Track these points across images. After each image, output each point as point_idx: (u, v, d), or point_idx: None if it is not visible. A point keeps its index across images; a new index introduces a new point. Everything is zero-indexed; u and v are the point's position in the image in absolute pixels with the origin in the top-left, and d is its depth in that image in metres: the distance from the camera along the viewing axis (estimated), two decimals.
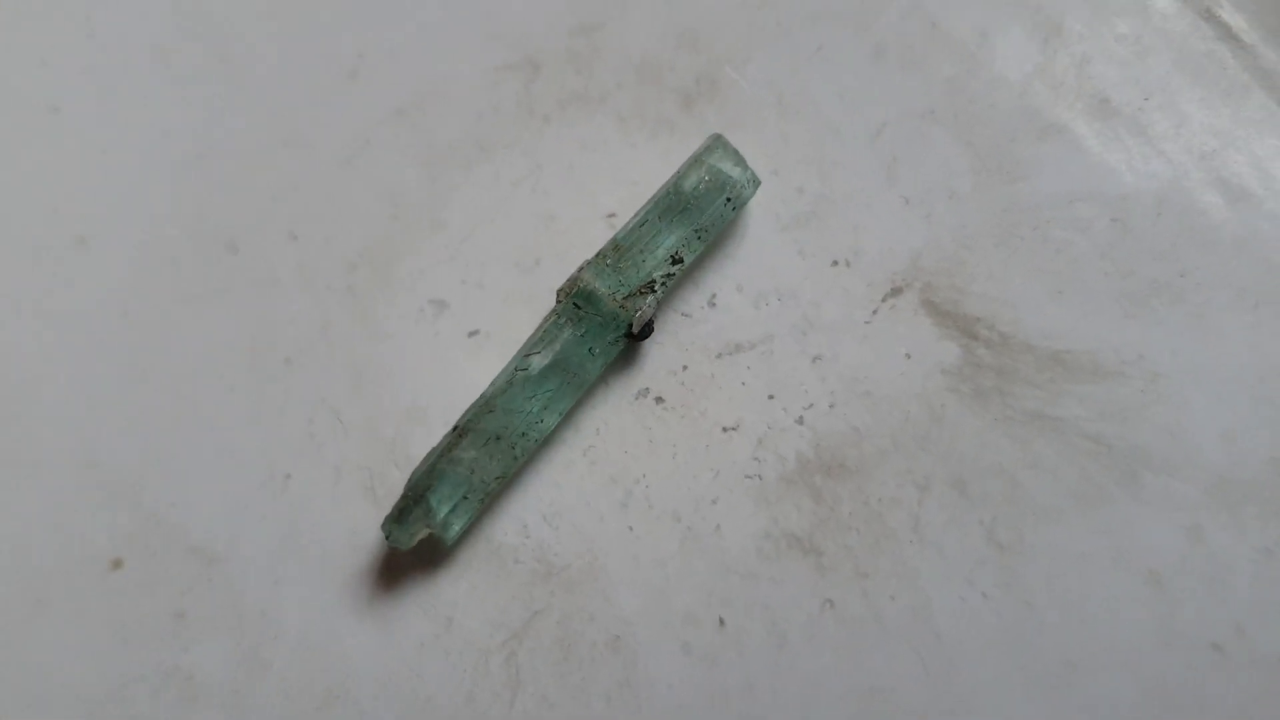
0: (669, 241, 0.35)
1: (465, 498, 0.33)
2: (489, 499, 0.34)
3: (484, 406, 0.34)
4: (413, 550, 0.35)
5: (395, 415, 0.36)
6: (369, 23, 0.39)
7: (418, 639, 0.34)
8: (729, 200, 0.35)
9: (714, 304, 0.37)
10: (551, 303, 0.37)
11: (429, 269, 0.37)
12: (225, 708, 0.34)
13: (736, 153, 0.35)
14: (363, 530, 0.35)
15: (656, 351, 0.36)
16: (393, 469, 0.36)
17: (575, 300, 0.34)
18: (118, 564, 0.36)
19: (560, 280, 0.37)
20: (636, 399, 0.36)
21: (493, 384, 0.34)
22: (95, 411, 0.36)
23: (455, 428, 0.34)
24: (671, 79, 0.38)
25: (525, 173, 0.38)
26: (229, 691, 0.34)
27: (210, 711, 0.34)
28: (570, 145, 0.38)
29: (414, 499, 0.33)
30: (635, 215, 0.35)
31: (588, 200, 0.38)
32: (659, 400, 0.36)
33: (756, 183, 0.35)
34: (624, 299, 0.34)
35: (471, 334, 0.37)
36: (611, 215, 0.37)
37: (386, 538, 0.33)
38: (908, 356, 0.36)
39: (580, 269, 0.35)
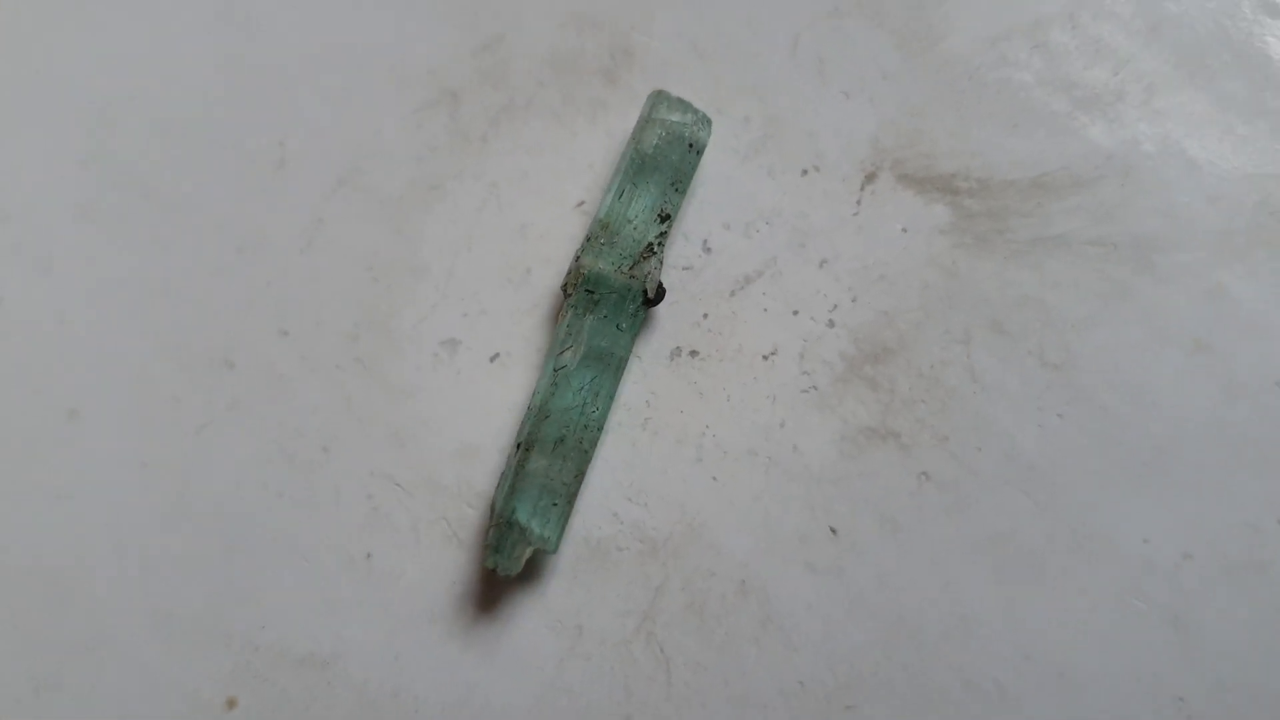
0: (650, 203, 0.35)
1: (553, 505, 0.33)
2: (573, 499, 0.34)
3: (538, 416, 0.34)
4: (519, 576, 0.34)
5: (449, 460, 0.36)
6: (279, 110, 0.39)
7: (556, 657, 0.34)
8: (691, 146, 0.36)
9: (709, 249, 0.37)
10: (556, 304, 0.37)
11: (427, 315, 0.37)
12: None
13: (681, 101, 0.36)
14: (462, 577, 0.35)
15: (673, 311, 0.37)
16: (467, 510, 0.35)
17: (586, 287, 0.35)
18: (232, 703, 0.34)
19: (558, 279, 0.37)
20: (672, 360, 0.36)
21: (537, 393, 0.35)
22: (151, 567, 0.35)
23: (518, 445, 0.34)
24: (588, 62, 0.39)
25: (483, 195, 0.38)
26: None
27: None
28: (516, 155, 0.39)
29: (506, 524, 0.33)
30: (608, 192, 0.36)
31: (553, 198, 0.38)
32: (693, 354, 0.36)
33: (709, 121, 0.36)
34: (630, 269, 0.35)
35: (493, 359, 0.37)
36: (581, 203, 0.38)
37: (495, 570, 0.33)
38: (904, 231, 0.37)
39: (577, 258, 0.35)
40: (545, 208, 0.38)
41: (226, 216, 0.38)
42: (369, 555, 0.35)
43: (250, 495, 0.36)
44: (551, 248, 0.38)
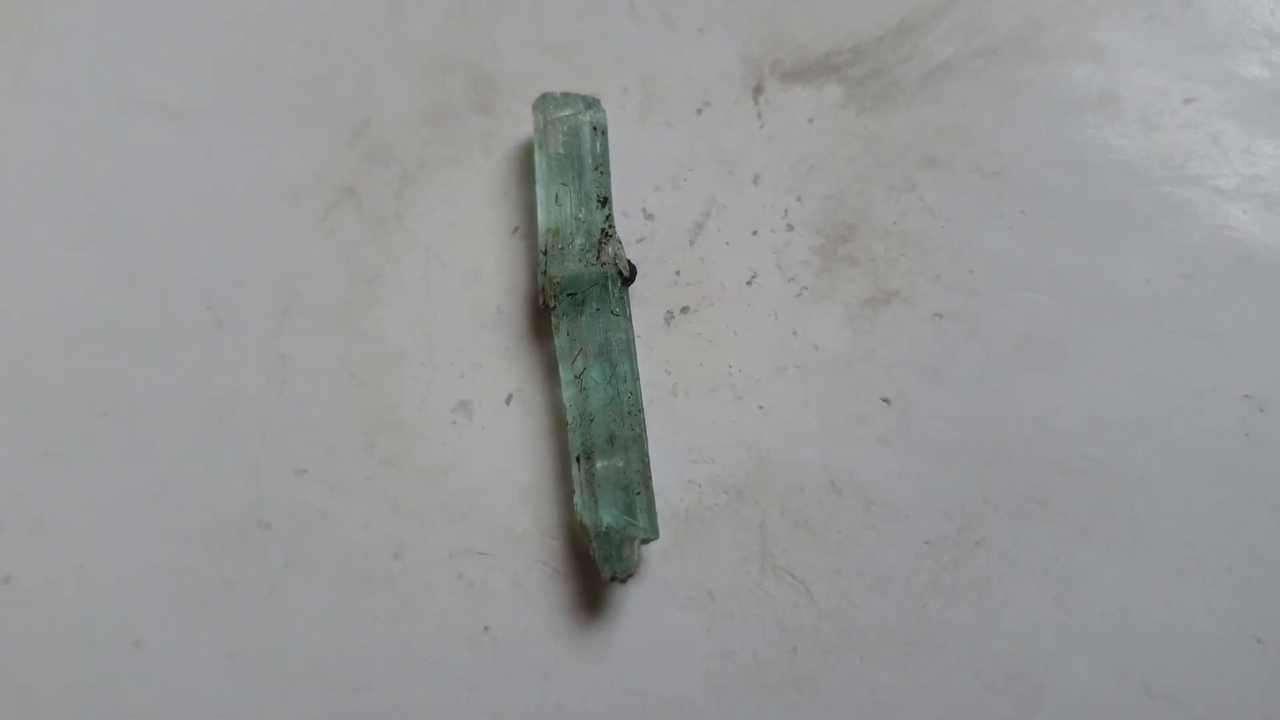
0: (583, 195, 0.36)
1: (636, 494, 0.34)
2: (650, 483, 0.34)
3: (582, 424, 0.34)
4: (622, 580, 0.35)
5: (516, 508, 0.36)
6: (190, 276, 0.39)
7: (702, 629, 0.35)
8: (594, 128, 0.37)
9: (650, 215, 0.38)
10: (541, 323, 0.38)
11: (426, 392, 0.37)
12: None
13: (564, 95, 0.37)
14: (583, 603, 0.35)
15: (647, 282, 0.38)
16: (553, 542, 0.36)
17: (566, 291, 0.35)
18: None
19: (531, 303, 0.38)
20: (669, 324, 0.37)
21: (570, 406, 0.35)
22: None
23: (577, 459, 0.34)
24: (457, 104, 0.40)
25: (422, 263, 0.39)
26: None
27: None
28: (435, 214, 0.39)
29: (604, 534, 0.34)
30: (540, 205, 0.37)
31: (488, 236, 0.39)
32: (684, 310, 0.38)
33: (597, 101, 0.37)
34: (597, 259, 0.35)
35: (508, 400, 0.37)
36: (516, 229, 0.39)
37: (615, 579, 0.34)
38: (810, 121, 0.39)
39: (544, 272, 0.36)
40: (486, 248, 0.39)
41: (193, 393, 0.37)
42: (486, 628, 0.35)
43: (346, 633, 0.35)
44: (510, 278, 0.38)
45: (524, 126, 0.39)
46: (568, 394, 0.35)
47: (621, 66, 0.40)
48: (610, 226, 0.36)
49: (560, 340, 0.36)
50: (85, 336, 0.38)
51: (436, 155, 0.40)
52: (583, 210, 0.36)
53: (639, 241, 0.38)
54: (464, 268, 0.38)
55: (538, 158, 0.37)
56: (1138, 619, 0.34)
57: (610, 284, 0.35)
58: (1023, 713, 0.34)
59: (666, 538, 0.35)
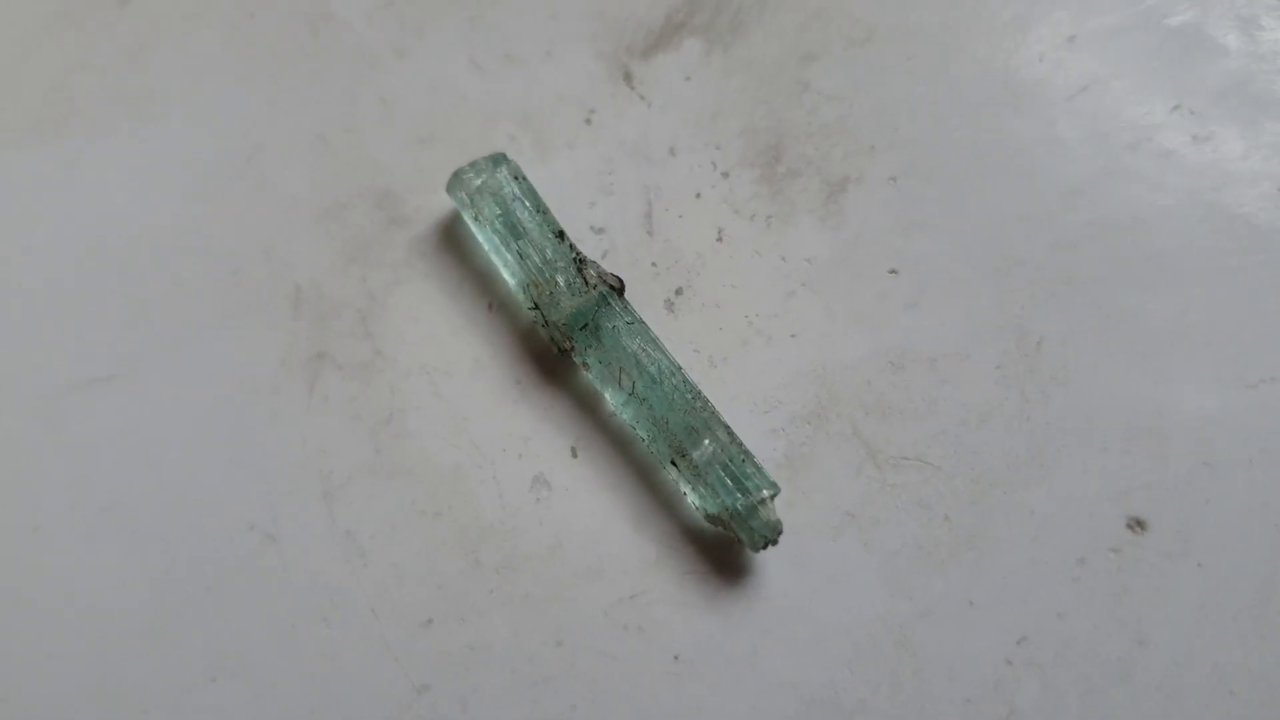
0: (538, 240, 0.37)
1: (741, 462, 0.35)
2: (744, 446, 0.35)
3: (659, 431, 0.35)
4: (775, 542, 0.35)
5: (637, 543, 0.36)
6: (232, 501, 0.38)
7: (857, 547, 0.36)
8: (514, 179, 0.38)
9: (599, 229, 0.39)
10: (566, 368, 0.38)
11: (498, 489, 0.37)
12: None
13: (469, 165, 0.38)
14: (748, 587, 0.36)
15: (633, 284, 0.39)
16: (690, 548, 0.36)
17: (578, 326, 0.36)
18: None
19: (546, 362, 0.38)
20: (672, 311, 0.39)
21: (638, 425, 0.36)
22: None
23: (673, 463, 0.35)
24: (373, 230, 0.40)
25: (422, 383, 0.38)
26: None
27: None
28: (409, 333, 0.39)
29: (735, 515, 0.34)
30: (505, 269, 0.37)
31: (467, 327, 0.39)
32: (679, 292, 0.39)
33: (502, 156, 0.38)
34: (586, 286, 0.36)
35: (574, 455, 0.37)
36: (490, 304, 0.39)
37: (767, 545, 0.34)
38: (688, 79, 0.41)
39: (546, 322, 0.36)
40: (472, 335, 0.39)
41: (279, 615, 0.36)
42: (675, 657, 0.35)
43: None
44: (510, 350, 0.38)
45: (441, 212, 0.40)
46: (628, 413, 0.36)
47: (496, 119, 0.41)
48: (578, 253, 0.37)
49: (594, 372, 0.36)
50: (154, 624, 0.37)
51: (379, 282, 0.39)
52: (548, 252, 0.37)
53: (603, 256, 0.39)
54: (465, 364, 0.39)
55: (478, 232, 0.38)
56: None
57: (609, 300, 0.36)
58: (1159, 447, 0.36)
59: (785, 487, 0.36)
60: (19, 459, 0.38)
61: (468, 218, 0.38)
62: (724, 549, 0.36)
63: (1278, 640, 0.35)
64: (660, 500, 0.37)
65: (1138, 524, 0.36)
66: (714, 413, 0.36)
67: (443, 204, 0.40)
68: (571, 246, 0.37)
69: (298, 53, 0.41)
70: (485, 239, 0.38)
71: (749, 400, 0.37)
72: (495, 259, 0.38)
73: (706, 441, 0.35)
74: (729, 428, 0.36)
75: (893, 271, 0.38)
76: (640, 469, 0.37)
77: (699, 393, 0.36)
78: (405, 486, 0.37)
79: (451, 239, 0.40)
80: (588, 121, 0.40)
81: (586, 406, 0.38)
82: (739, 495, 0.35)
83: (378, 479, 0.38)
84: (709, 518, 0.35)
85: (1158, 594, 0.35)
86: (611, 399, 0.37)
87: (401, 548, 0.37)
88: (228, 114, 0.41)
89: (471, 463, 0.38)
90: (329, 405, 0.38)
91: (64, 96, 0.41)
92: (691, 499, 0.36)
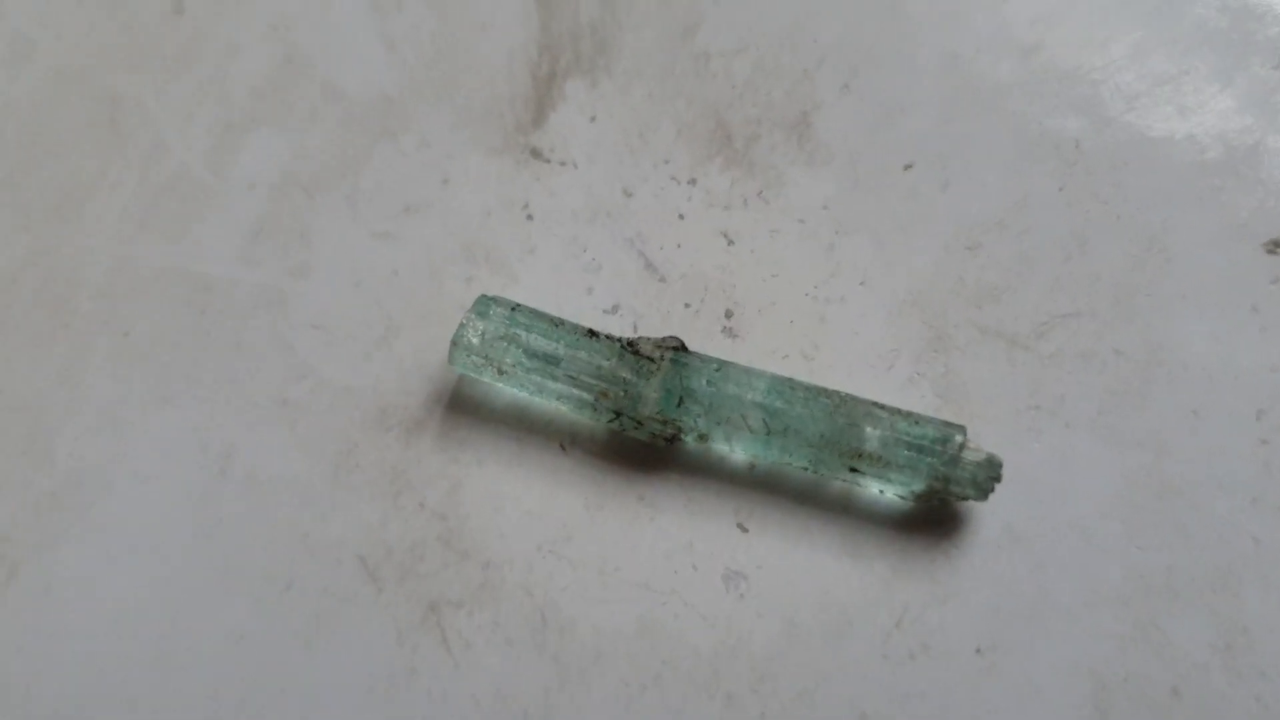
0: (575, 353, 0.33)
1: (914, 424, 0.32)
2: (899, 411, 0.32)
3: (821, 448, 0.32)
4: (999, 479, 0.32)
5: (875, 571, 0.33)
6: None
7: (1062, 428, 0.33)
8: (512, 310, 0.33)
9: (616, 307, 0.36)
10: (674, 460, 0.34)
11: (699, 615, 0.33)
12: None
13: (462, 326, 0.33)
14: (1006, 537, 0.33)
15: (685, 334, 0.35)
16: (912, 540, 0.33)
17: (669, 410, 0.32)
18: None
19: (654, 464, 0.34)
20: (730, 336, 0.35)
21: (792, 453, 0.32)
22: None
23: (852, 469, 0.32)
24: (397, 451, 0.35)
25: (531, 561, 0.34)
26: None
27: None
28: (499, 527, 0.34)
29: (945, 475, 0.31)
30: (564, 404, 0.33)
31: (552, 484, 0.34)
32: (728, 314, 0.35)
33: (483, 298, 0.34)
34: (653, 365, 0.32)
35: (742, 528, 0.33)
36: (560, 445, 0.35)
37: (994, 484, 0.31)
38: (593, 119, 0.37)
39: (636, 425, 0.33)
40: (562, 485, 0.34)
41: None
42: (977, 650, 0.32)
43: None
44: (611, 470, 0.34)
45: (447, 394, 0.35)
46: (773, 453, 0.32)
47: (440, 271, 0.36)
48: (620, 339, 0.33)
49: (714, 436, 0.32)
50: None
51: (437, 499, 0.34)
52: (595, 357, 0.33)
53: (635, 329, 0.35)
54: (576, 516, 0.34)
55: (507, 384, 0.34)
56: None
57: (682, 361, 0.32)
58: None
59: (963, 420, 0.33)
60: None
61: (488, 377, 0.34)
62: (944, 521, 0.33)
63: None
64: (854, 516, 0.33)
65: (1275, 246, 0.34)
66: (854, 398, 0.32)
67: (444, 386, 0.35)
68: (609, 337, 0.33)
69: (189, 335, 0.36)
70: (520, 385, 0.33)
71: (866, 366, 0.34)
72: (541, 398, 0.33)
73: (869, 429, 0.32)
74: (877, 402, 0.32)
75: (908, 166, 0.35)
76: (813, 499, 0.33)
77: (826, 390, 0.32)
78: (608, 672, 0.33)
79: (476, 412, 0.35)
80: (529, 217, 0.36)
81: (722, 476, 0.34)
82: (935, 456, 0.31)
83: (576, 689, 0.33)
84: (919, 497, 0.32)
85: None
86: (746, 449, 0.33)
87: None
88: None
89: (653, 604, 0.33)
90: (474, 649, 0.33)
91: None
92: (890, 491, 0.32)
